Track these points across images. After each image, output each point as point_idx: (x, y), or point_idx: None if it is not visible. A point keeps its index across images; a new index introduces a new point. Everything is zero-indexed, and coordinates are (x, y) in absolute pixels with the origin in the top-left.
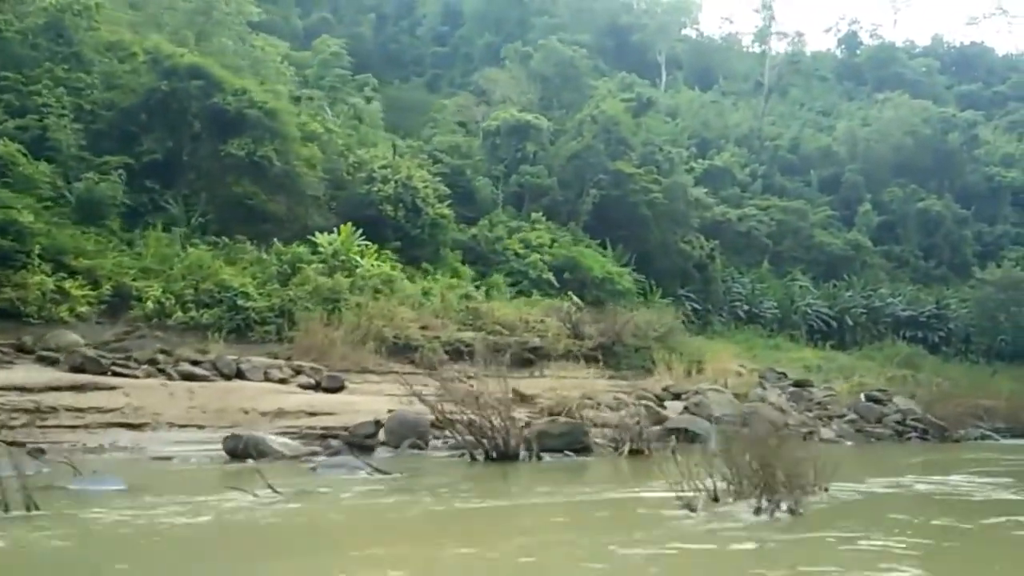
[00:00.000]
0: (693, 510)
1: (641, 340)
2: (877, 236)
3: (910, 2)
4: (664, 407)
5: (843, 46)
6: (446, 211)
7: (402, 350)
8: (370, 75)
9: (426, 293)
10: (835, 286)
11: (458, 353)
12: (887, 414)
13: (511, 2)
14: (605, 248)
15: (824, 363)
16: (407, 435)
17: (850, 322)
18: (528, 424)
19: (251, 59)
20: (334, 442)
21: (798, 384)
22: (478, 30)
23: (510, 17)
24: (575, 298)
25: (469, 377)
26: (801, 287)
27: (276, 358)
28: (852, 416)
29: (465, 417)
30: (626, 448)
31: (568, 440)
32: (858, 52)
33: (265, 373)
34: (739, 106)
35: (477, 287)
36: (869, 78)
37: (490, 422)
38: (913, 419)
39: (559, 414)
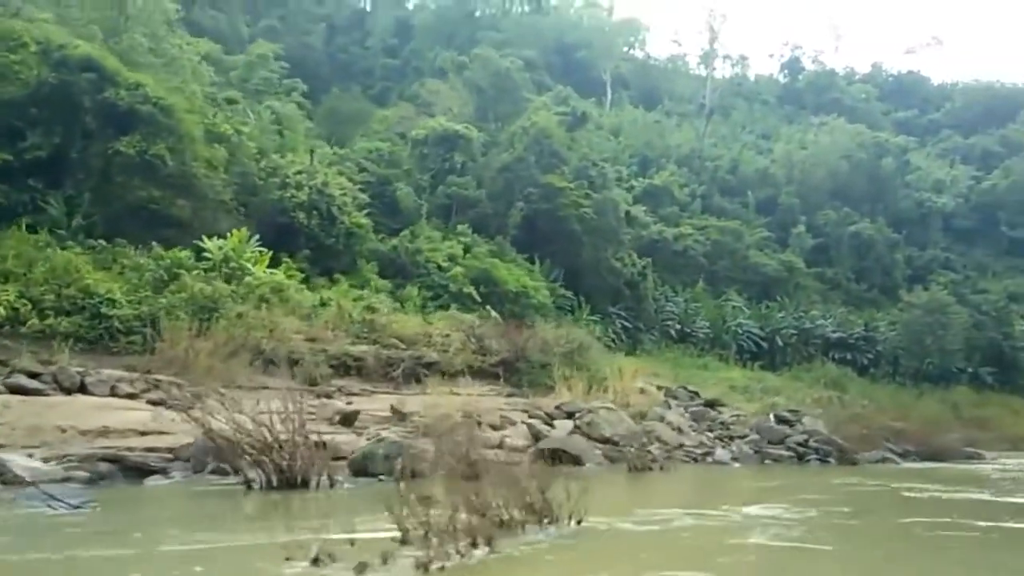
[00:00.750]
0: (316, 563)
1: (548, 356)
2: (811, 258)
3: (850, 30)
4: (553, 426)
5: (786, 71)
6: (363, 220)
7: (282, 364)
8: (299, 80)
9: (324, 304)
10: (767, 307)
11: (345, 367)
12: (789, 435)
13: (462, 17)
14: (533, 263)
15: (752, 383)
16: (207, 458)
17: (780, 343)
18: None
19: (167, 57)
20: (104, 465)
21: (709, 404)
22: (428, 44)
23: (460, 32)
24: (493, 313)
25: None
26: (734, 307)
27: (134, 371)
28: (754, 437)
29: (241, 437)
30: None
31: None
32: (799, 77)
33: (112, 387)
34: (683, 127)
35: (395, 300)
36: (809, 103)
37: (276, 443)
38: (817, 441)
39: (438, 434)
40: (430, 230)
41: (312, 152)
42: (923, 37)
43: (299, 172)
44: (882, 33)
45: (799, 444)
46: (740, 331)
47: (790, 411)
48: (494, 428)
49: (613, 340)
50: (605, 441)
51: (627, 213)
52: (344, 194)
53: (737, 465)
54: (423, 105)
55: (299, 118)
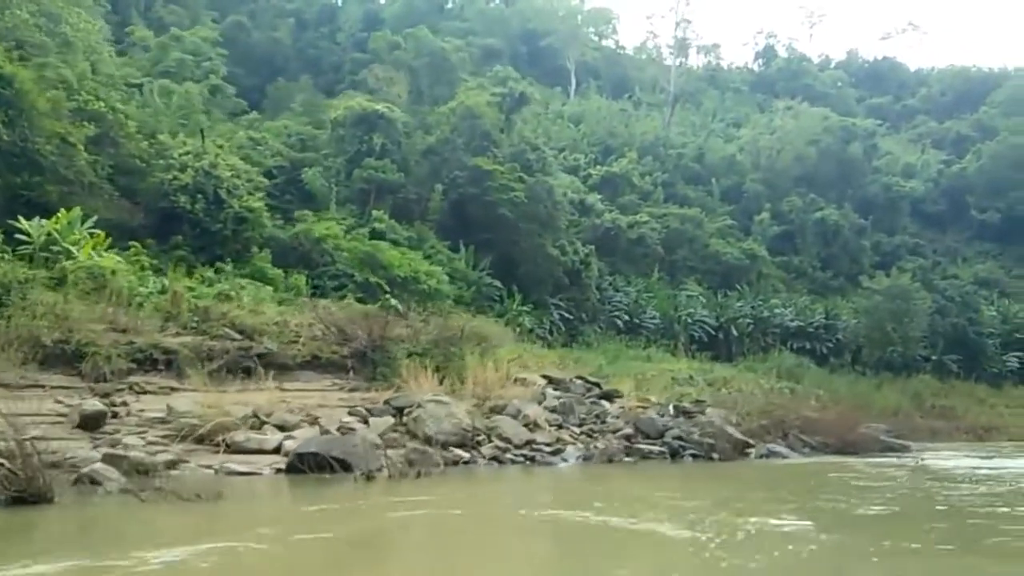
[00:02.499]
0: None
1: (412, 346)
2: (776, 246)
3: (824, 17)
4: (367, 424)
5: (760, 60)
6: (256, 205)
7: (71, 358)
8: (219, 62)
9: (163, 292)
10: (725, 296)
11: (153, 361)
12: (669, 429)
13: (430, 8)
14: (457, 251)
15: (698, 374)
16: None
17: (735, 333)
18: None
19: (61, 37)
20: None
21: (605, 395)
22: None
23: (429, 23)
24: (394, 302)
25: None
26: (689, 297)
27: None
28: (628, 431)
29: None
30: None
31: None
32: (771, 65)
33: None
34: (652, 116)
35: (286, 290)
36: (781, 90)
37: None
38: (706, 434)
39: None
40: (342, 216)
41: (202, 131)
42: (899, 23)
43: (185, 153)
44: (858, 20)
45: (677, 439)
46: (691, 321)
47: (697, 401)
48: (282, 429)
49: (549, 331)
50: (427, 440)
51: (582, 202)
52: (235, 176)
53: (564, 465)
54: (373, 92)
55: (195, 99)
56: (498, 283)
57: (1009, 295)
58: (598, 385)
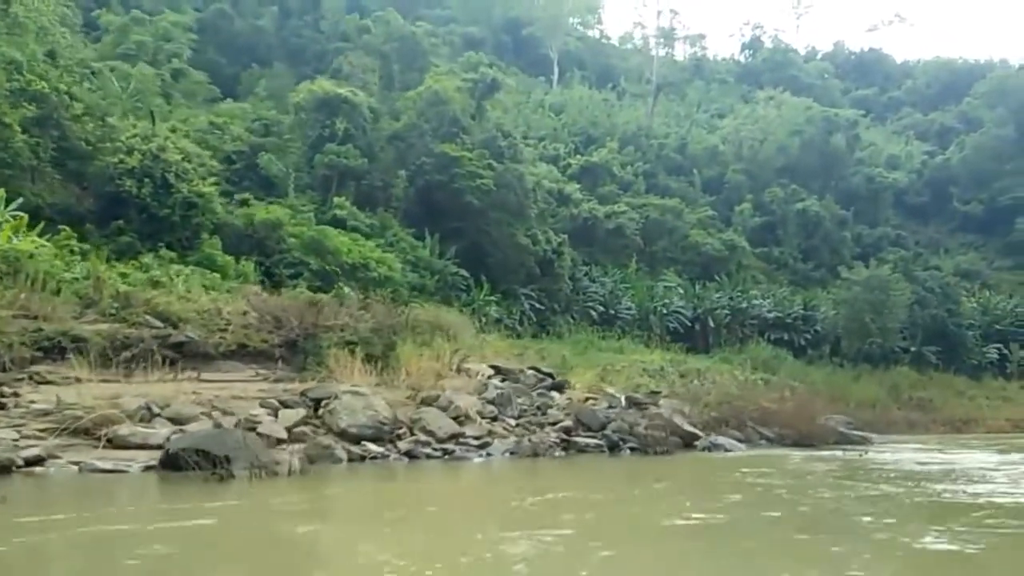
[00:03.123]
0: None
1: (349, 335)
2: (757, 237)
3: (811, 8)
4: (276, 416)
5: (747, 51)
6: (206, 189)
7: None
8: (184, 46)
9: (87, 277)
10: (704, 287)
11: (61, 350)
12: (611, 421)
13: None
14: (422, 239)
15: (671, 366)
16: None
17: (712, 324)
18: None
19: (11, 17)
20: None
21: (555, 387)
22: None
23: (414, 11)
24: (347, 290)
25: None
26: (667, 288)
27: None
28: (568, 423)
29: None
30: None
31: None
32: (756, 55)
33: None
34: (636, 106)
35: (235, 277)
36: (766, 81)
37: None
38: (651, 427)
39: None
40: (302, 203)
41: (152, 114)
42: (886, 15)
43: (133, 136)
44: (845, 12)
45: (617, 432)
46: (666, 312)
47: (652, 392)
48: (176, 422)
49: (519, 322)
50: (341, 434)
51: (560, 191)
52: (186, 160)
53: (482, 460)
54: (348, 79)
55: (179, 87)
56: (464, 272)
57: (991, 287)
58: (551, 376)
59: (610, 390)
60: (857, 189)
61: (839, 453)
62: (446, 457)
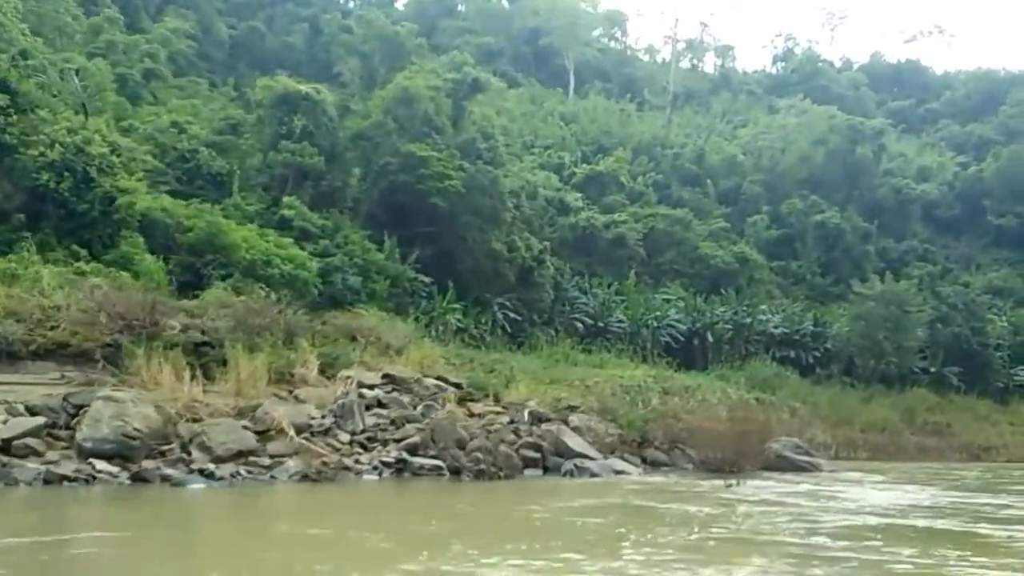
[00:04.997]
0: None
1: (177, 337)
2: (774, 251)
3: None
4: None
5: (780, 63)
6: (130, 184)
7: None
8: (158, 47)
9: None
10: (706, 301)
11: None
12: (474, 437)
13: (440, 10)
14: (382, 242)
15: (656, 382)
16: None
17: (711, 339)
18: None
19: None
20: None
21: (460, 400)
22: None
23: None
24: (265, 290)
25: None
26: (666, 301)
27: None
28: (415, 441)
29: None
30: None
31: None
32: (785, 66)
33: None
34: (655, 116)
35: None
36: (795, 92)
37: None
38: (527, 446)
39: None
40: (249, 202)
41: (84, 105)
42: (925, 26)
43: (59, 129)
44: (881, 23)
45: (480, 450)
46: (658, 326)
47: (569, 407)
48: None
49: (487, 332)
50: (79, 450)
51: (561, 200)
52: (114, 152)
53: (211, 486)
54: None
55: (104, 75)
56: (424, 278)
57: None
58: (459, 387)
59: (532, 403)
60: (883, 201)
61: (725, 483)
62: (220, 481)
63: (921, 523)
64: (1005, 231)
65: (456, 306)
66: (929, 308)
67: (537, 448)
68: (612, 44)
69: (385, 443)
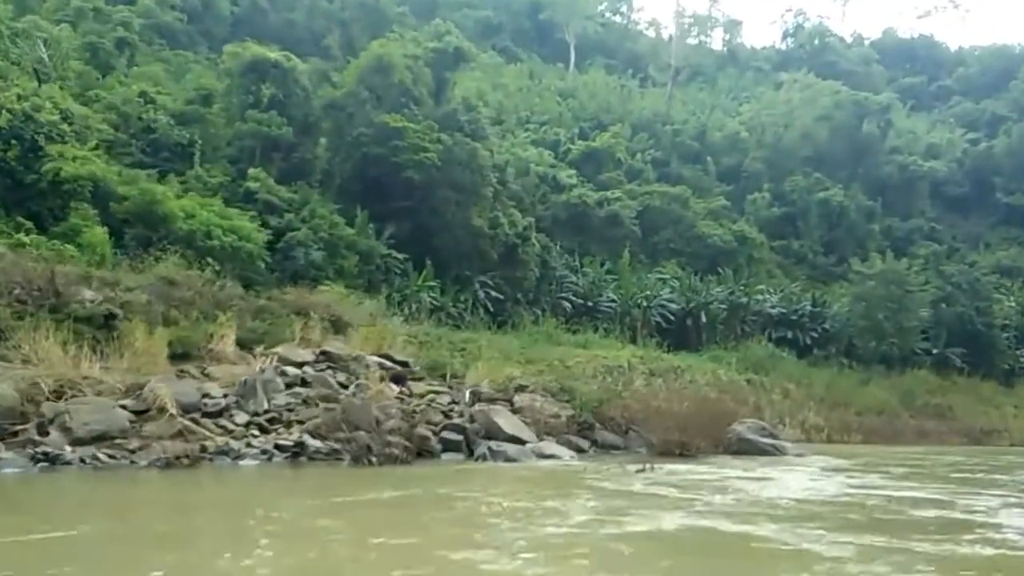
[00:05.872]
0: None
1: (76, 309)
2: (775, 229)
3: None
4: None
5: (790, 39)
6: (81, 153)
7: None
8: (132, 16)
9: None
10: (702, 280)
11: None
12: (391, 418)
13: None
14: (355, 216)
15: (644, 363)
16: None
17: (705, 319)
18: None
19: None
20: None
21: (396, 378)
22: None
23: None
24: (212, 263)
25: None
26: (660, 280)
27: None
28: (319, 422)
29: None
30: None
31: None
32: (792, 41)
33: None
34: (658, 92)
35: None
36: (803, 68)
37: None
38: (451, 429)
39: None
40: (212, 173)
41: (36, 71)
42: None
43: (8, 95)
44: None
45: (392, 432)
46: (648, 305)
47: (520, 387)
48: None
49: (467, 310)
50: None
51: (554, 177)
52: (66, 122)
53: (49, 471)
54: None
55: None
56: (398, 254)
57: None
58: (405, 364)
59: (485, 384)
60: (889, 179)
61: (635, 469)
62: (67, 466)
63: (740, 528)
64: (1015, 209)
65: (433, 284)
66: (932, 288)
67: (461, 431)
68: (617, 19)
69: (289, 425)
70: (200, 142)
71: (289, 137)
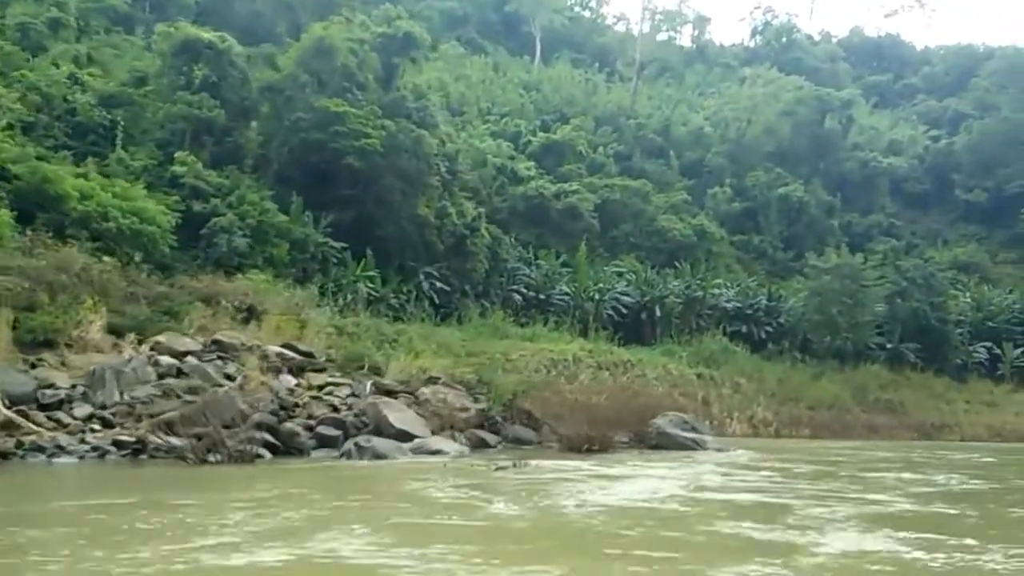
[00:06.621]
0: None
1: None
2: (736, 224)
3: None
4: None
5: (757, 36)
6: None
7: None
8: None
9: None
10: (659, 274)
11: None
12: (259, 411)
13: None
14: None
15: (589, 356)
16: None
17: (660, 313)
18: None
19: None
20: None
21: (297, 368)
22: None
23: None
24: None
25: None
26: (617, 274)
27: None
28: (172, 417)
29: None
30: None
31: None
32: (758, 38)
33: None
34: (625, 87)
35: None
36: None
37: None
38: (327, 421)
39: None
40: (137, 157)
41: None
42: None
43: None
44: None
45: (259, 427)
46: (601, 299)
47: (431, 379)
48: None
49: (409, 301)
50: None
51: (513, 169)
52: None
53: None
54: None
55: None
56: (335, 243)
57: (991, 281)
58: (310, 355)
59: (385, 377)
60: (850, 175)
61: (494, 466)
62: None
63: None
64: (973, 206)
65: (373, 274)
66: (887, 283)
67: (340, 425)
68: (586, 14)
69: (140, 419)
70: (123, 124)
71: (222, 120)
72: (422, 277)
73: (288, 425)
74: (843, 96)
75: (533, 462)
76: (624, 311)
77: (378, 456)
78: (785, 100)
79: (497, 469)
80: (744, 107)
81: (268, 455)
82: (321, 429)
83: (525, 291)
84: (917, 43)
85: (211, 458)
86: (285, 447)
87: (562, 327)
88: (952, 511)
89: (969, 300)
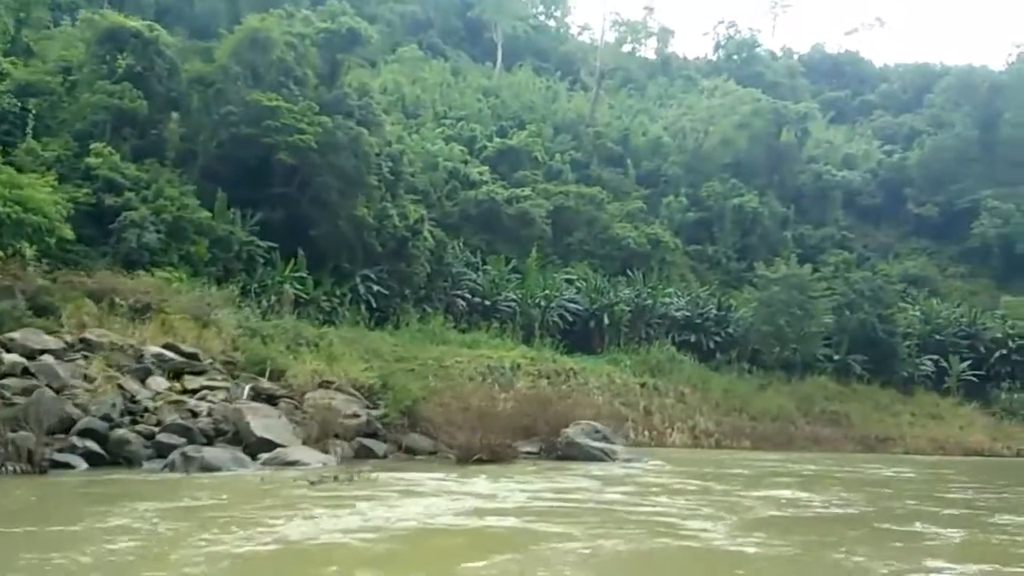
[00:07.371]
0: None
1: None
2: (691, 234)
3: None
4: None
5: (720, 50)
6: None
7: None
8: None
9: None
10: (609, 282)
11: None
12: (89, 416)
13: None
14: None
15: (530, 364)
16: None
17: (608, 321)
18: None
19: None
20: None
21: (178, 372)
22: None
23: None
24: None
25: None
26: (567, 281)
27: None
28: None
29: None
30: None
31: None
32: (719, 53)
33: None
34: (587, 96)
35: None
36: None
37: None
38: (172, 431)
39: None
40: (50, 148)
41: None
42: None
43: None
44: (824, 15)
45: (85, 434)
46: (547, 306)
47: (325, 383)
48: None
49: (340, 306)
50: None
51: (466, 174)
52: None
53: None
54: None
55: None
56: (261, 242)
57: (941, 295)
58: (194, 357)
59: (262, 381)
60: (804, 187)
61: (310, 480)
62: None
63: None
64: (924, 220)
65: (303, 275)
66: (836, 295)
67: (185, 432)
68: (551, 23)
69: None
70: (35, 114)
71: (145, 112)
72: (359, 280)
73: (119, 432)
74: (800, 109)
75: (377, 474)
76: (571, 319)
77: (207, 468)
78: (742, 112)
79: (312, 484)
80: (702, 118)
81: (84, 465)
82: (162, 437)
83: (470, 296)
84: (876, 60)
85: (9, 467)
86: (111, 456)
87: (506, 334)
88: (750, 549)
89: (918, 313)
